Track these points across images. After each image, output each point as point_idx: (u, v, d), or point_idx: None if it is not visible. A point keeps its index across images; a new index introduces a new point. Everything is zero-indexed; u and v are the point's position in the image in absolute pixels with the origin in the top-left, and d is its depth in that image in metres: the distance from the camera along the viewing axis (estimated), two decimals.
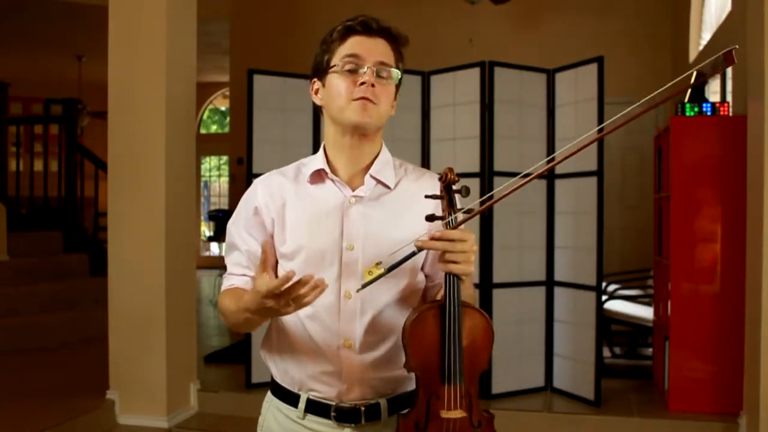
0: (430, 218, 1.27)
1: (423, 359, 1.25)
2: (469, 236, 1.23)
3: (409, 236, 1.34)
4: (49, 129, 6.57)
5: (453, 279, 1.25)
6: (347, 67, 1.32)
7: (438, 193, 1.29)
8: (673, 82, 1.26)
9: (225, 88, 10.28)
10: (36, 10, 6.59)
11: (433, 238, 1.22)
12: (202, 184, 12.25)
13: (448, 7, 6.24)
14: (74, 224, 6.38)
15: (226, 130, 11.13)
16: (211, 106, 12.08)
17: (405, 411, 1.31)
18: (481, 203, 1.29)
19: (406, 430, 1.26)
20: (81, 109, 7.34)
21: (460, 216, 1.26)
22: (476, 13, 5.81)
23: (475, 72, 3.90)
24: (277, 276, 1.41)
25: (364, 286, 1.23)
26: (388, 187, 1.38)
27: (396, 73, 1.35)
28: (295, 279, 1.14)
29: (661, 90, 1.27)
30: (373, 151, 1.40)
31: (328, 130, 1.40)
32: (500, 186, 3.82)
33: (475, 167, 3.87)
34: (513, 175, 3.88)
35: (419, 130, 4.08)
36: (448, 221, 1.25)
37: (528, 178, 1.23)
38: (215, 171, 12.81)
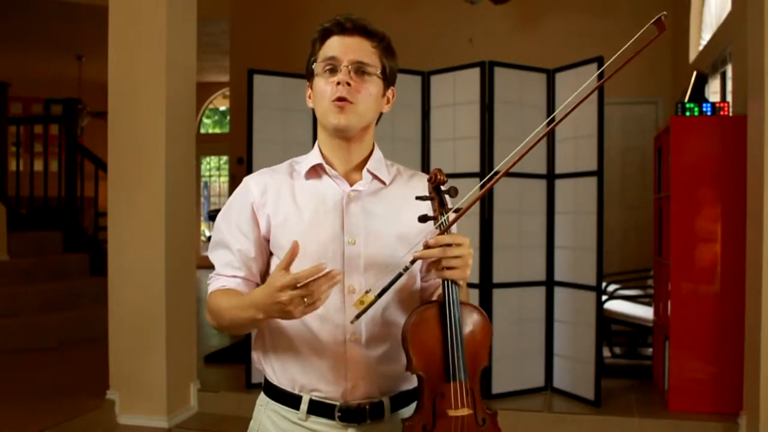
0: (423, 219, 1.27)
1: (426, 359, 1.26)
2: (463, 240, 1.23)
3: (407, 232, 1.35)
4: (49, 129, 6.56)
5: (450, 284, 1.25)
6: (327, 68, 1.33)
7: (427, 194, 1.30)
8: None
9: (225, 88, 10.27)
10: (36, 10, 6.59)
11: (427, 246, 1.22)
12: (202, 184, 12.25)
13: (448, 7, 6.24)
14: (74, 224, 6.37)
15: (226, 130, 11.13)
16: (211, 106, 12.07)
17: (409, 415, 1.30)
18: (461, 205, 1.29)
19: None
20: (81, 109, 7.33)
21: (452, 215, 1.26)
22: (476, 13, 5.81)
23: (475, 72, 3.90)
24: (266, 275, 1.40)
25: (358, 316, 1.22)
26: (383, 182, 1.39)
27: (375, 69, 1.34)
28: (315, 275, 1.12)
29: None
30: (363, 151, 1.40)
31: (320, 132, 1.41)
32: (500, 187, 3.84)
33: (475, 167, 3.87)
34: (513, 175, 3.88)
35: (419, 130, 4.08)
36: (441, 222, 1.25)
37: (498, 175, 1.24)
38: (215, 171, 12.82)
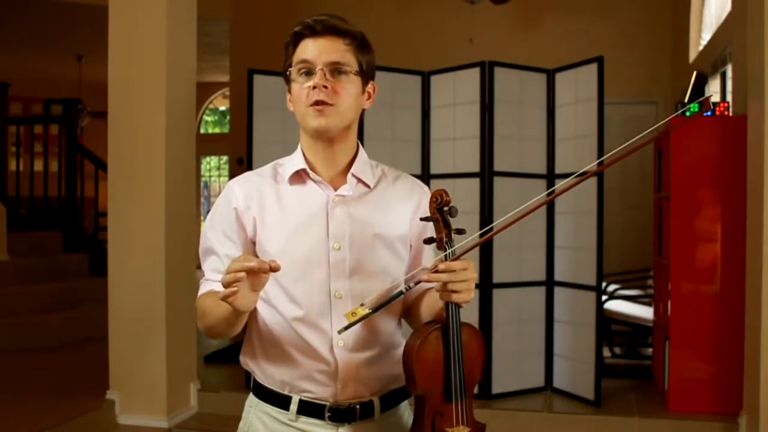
0: (428, 241, 1.29)
1: (429, 380, 1.27)
2: (470, 265, 1.23)
3: (393, 236, 1.35)
4: (49, 129, 6.55)
5: (454, 307, 1.26)
6: (301, 72, 1.32)
7: (430, 215, 1.30)
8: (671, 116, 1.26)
9: (225, 88, 10.27)
10: (36, 10, 6.58)
11: (437, 271, 1.22)
12: (202, 184, 12.24)
13: (448, 7, 6.23)
14: (74, 224, 6.37)
15: (226, 130, 11.13)
16: (211, 106, 12.07)
17: (397, 418, 1.32)
18: (481, 235, 1.28)
19: None
20: (81, 109, 7.33)
21: (462, 246, 1.25)
22: (476, 13, 5.80)
23: (475, 72, 3.90)
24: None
25: (347, 327, 1.22)
26: (368, 186, 1.39)
27: (351, 68, 1.32)
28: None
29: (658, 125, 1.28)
30: (348, 152, 1.39)
31: (302, 135, 1.40)
32: (500, 187, 3.84)
33: (475, 167, 3.87)
34: (513, 175, 3.88)
35: (419, 130, 4.07)
36: (448, 253, 1.25)
37: (527, 210, 1.24)
38: (215, 171, 12.82)
